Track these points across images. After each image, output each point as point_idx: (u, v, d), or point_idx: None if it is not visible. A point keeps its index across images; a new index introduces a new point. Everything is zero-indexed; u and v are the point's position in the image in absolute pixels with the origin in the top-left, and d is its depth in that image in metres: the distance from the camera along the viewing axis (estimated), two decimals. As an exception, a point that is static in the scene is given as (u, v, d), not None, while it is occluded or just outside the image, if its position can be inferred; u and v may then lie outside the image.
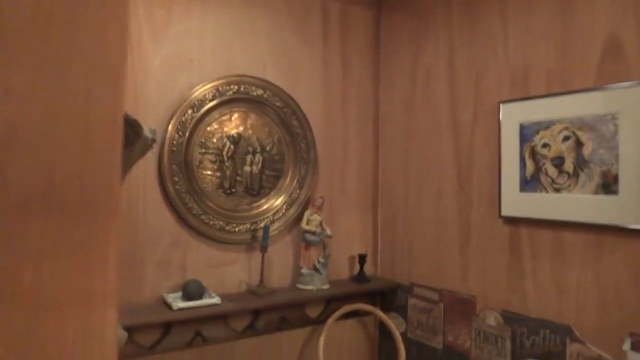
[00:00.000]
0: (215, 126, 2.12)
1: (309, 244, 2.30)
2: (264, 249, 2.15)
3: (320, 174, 2.45)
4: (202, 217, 2.07)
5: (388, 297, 2.54)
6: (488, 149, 2.06)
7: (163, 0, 2.01)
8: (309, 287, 2.27)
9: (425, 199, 2.36)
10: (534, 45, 1.89)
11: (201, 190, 2.08)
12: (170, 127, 1.99)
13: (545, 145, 1.82)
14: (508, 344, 1.96)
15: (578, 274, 1.74)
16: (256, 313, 2.19)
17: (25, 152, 0.54)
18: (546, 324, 1.83)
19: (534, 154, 1.85)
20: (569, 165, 1.74)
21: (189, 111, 2.02)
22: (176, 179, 2.01)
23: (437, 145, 2.31)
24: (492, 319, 2.03)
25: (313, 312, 2.38)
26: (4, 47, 0.51)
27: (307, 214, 2.32)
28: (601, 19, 1.68)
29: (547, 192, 1.81)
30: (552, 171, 1.79)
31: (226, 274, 2.16)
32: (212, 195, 2.11)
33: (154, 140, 1.18)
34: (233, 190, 2.17)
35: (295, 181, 2.33)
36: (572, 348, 1.75)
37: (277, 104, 2.26)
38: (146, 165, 1.97)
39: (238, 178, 2.18)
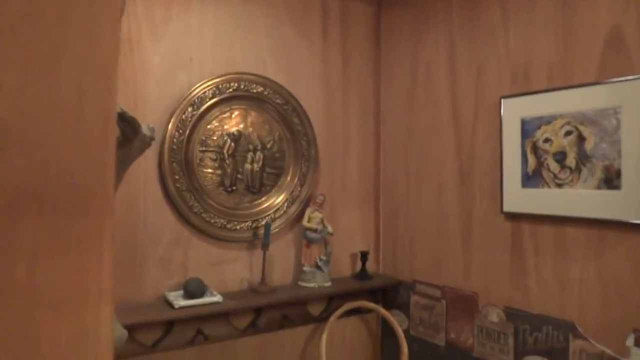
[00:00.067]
0: (216, 124, 2.12)
1: (310, 242, 2.29)
2: (265, 246, 2.14)
3: (321, 171, 2.44)
4: (203, 215, 2.07)
5: (390, 294, 2.54)
6: (489, 144, 2.05)
7: (162, -2, 2.00)
8: (311, 285, 2.26)
9: (427, 195, 2.35)
10: (535, 40, 1.88)
11: (202, 188, 2.08)
12: (170, 125, 1.98)
13: (547, 140, 1.81)
14: (511, 341, 1.95)
15: (580, 269, 1.73)
16: (258, 311, 2.19)
17: (17, 150, 0.53)
18: (549, 320, 1.82)
19: (535, 149, 1.84)
20: (571, 160, 1.73)
21: (189, 109, 2.02)
22: (177, 177, 2.00)
23: (438, 141, 2.30)
24: (494, 316, 2.02)
25: (315, 309, 2.38)
26: (-7, 43, 0.50)
27: (308, 211, 2.31)
28: (603, 12, 1.67)
29: (549, 187, 1.80)
30: (554, 166, 1.78)
31: (227, 272, 2.16)
32: (213, 193, 2.11)
33: (152, 138, 1.18)
34: (234, 188, 2.17)
35: (297, 178, 2.32)
36: (575, 344, 1.74)
37: (278, 101, 2.25)
38: (146, 164, 1.97)
39: (239, 176, 2.18)
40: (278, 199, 2.28)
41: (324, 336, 2.22)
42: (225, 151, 2.13)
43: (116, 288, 1.87)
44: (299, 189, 2.32)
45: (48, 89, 0.53)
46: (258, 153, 2.22)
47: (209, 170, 2.10)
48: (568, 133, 1.74)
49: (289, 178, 2.31)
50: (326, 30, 2.47)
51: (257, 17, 2.24)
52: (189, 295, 1.92)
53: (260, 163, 2.23)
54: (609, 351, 1.64)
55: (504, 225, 1.99)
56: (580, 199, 1.70)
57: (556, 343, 1.80)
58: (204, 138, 2.09)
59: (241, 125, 2.18)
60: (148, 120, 1.90)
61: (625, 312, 1.61)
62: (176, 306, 1.86)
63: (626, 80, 1.57)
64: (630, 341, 1.59)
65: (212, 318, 2.05)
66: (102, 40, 0.57)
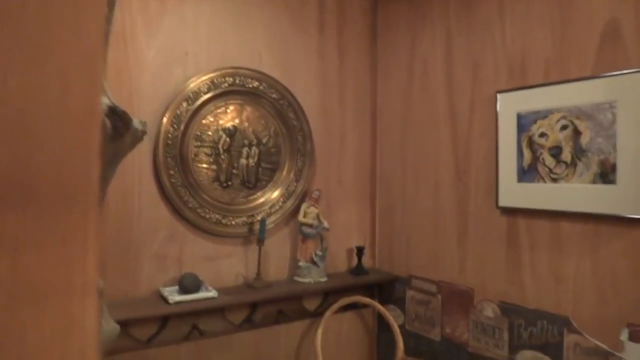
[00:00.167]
0: (211, 119, 2.11)
1: (306, 237, 2.29)
2: (260, 242, 2.14)
3: (317, 166, 2.44)
4: (198, 210, 2.06)
5: (386, 289, 2.54)
6: (485, 139, 2.05)
7: (156, -8, 1.99)
8: (307, 280, 2.26)
9: (423, 190, 2.35)
10: (531, 34, 1.87)
11: (197, 184, 2.07)
12: (165, 120, 1.97)
13: (542, 135, 1.80)
14: (506, 335, 1.95)
15: (576, 264, 1.73)
16: (253, 306, 2.19)
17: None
18: (544, 315, 1.82)
19: (531, 143, 1.84)
20: (566, 155, 1.73)
21: (184, 104, 2.01)
22: (172, 172, 2.00)
23: (434, 136, 2.29)
24: (489, 311, 2.02)
25: (311, 305, 2.38)
26: (-29, 33, 0.49)
27: (304, 206, 2.31)
28: (599, 5, 1.66)
29: (544, 182, 1.80)
30: (549, 161, 1.78)
31: (223, 267, 2.15)
32: (208, 189, 2.10)
33: (144, 132, 1.17)
34: (229, 183, 2.16)
35: (292, 174, 2.31)
36: (569, 339, 1.74)
37: (273, 95, 2.24)
38: (141, 159, 1.96)
39: (234, 171, 2.17)
40: (274, 194, 2.27)
41: (320, 331, 2.22)
42: (220, 146, 2.13)
43: (111, 283, 1.87)
44: (295, 184, 2.32)
45: (31, 80, 0.53)
46: (253, 148, 2.22)
47: (204, 166, 2.09)
48: (564, 127, 1.74)
49: (284, 173, 2.31)
50: (322, 25, 2.45)
51: (253, 11, 2.23)
52: (184, 290, 1.92)
53: (256, 158, 2.22)
54: (603, 345, 1.64)
55: (500, 220, 1.99)
56: (576, 194, 1.70)
57: (551, 338, 1.80)
58: (199, 133, 2.08)
59: (236, 120, 2.17)
60: (143, 115, 1.89)
61: (619, 307, 1.61)
62: (171, 301, 1.85)
63: (622, 74, 1.56)
64: (624, 335, 1.59)
65: (208, 313, 2.04)
66: (86, 30, 0.56)
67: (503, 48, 1.98)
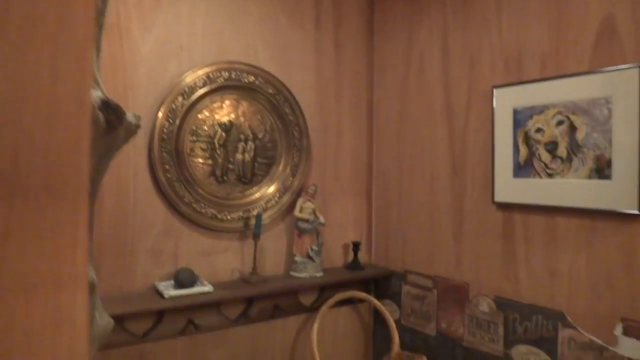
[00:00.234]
0: (207, 114, 2.10)
1: (302, 232, 2.29)
2: (256, 237, 2.14)
3: (313, 161, 2.44)
4: (194, 205, 2.06)
5: (382, 284, 2.54)
6: (481, 134, 2.05)
7: (151, -15, 1.98)
8: (303, 275, 2.26)
9: (419, 185, 2.35)
10: (528, 29, 1.87)
11: (192, 179, 2.06)
12: (160, 115, 1.96)
13: (538, 130, 1.80)
14: (501, 330, 1.96)
15: (571, 259, 1.74)
16: (249, 301, 2.19)
17: (-13, 132, 0.51)
18: (538, 310, 1.83)
19: (527, 139, 1.84)
20: (562, 150, 1.73)
21: (179, 98, 2.00)
22: (167, 167, 1.99)
23: (430, 131, 2.29)
24: (485, 305, 2.02)
25: (307, 299, 2.38)
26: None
27: (300, 201, 2.31)
28: (596, 1, 1.66)
29: (540, 177, 1.80)
30: (545, 156, 1.78)
31: (219, 262, 2.15)
32: (204, 184, 2.10)
33: (138, 127, 1.16)
34: (225, 178, 2.15)
35: (288, 169, 2.31)
36: (564, 333, 1.75)
37: (269, 90, 2.23)
38: (136, 153, 1.95)
39: (230, 166, 2.16)
40: (270, 189, 2.27)
41: (316, 326, 2.23)
42: (216, 141, 2.12)
43: (106, 278, 1.87)
44: (291, 179, 2.31)
45: (20, 70, 0.52)
46: (249, 143, 2.21)
47: (200, 160, 2.09)
48: (560, 123, 1.74)
49: (280, 168, 2.30)
50: (319, 19, 2.45)
51: (248, 6, 2.22)
52: (179, 285, 1.92)
53: (252, 153, 2.22)
54: (597, 340, 1.65)
55: (496, 215, 1.99)
56: (571, 189, 1.70)
57: (545, 332, 1.80)
58: (194, 128, 2.07)
59: (232, 115, 2.16)
60: (138, 109, 1.88)
61: (614, 302, 1.62)
62: (166, 296, 1.85)
63: (618, 69, 1.56)
64: (618, 330, 1.60)
65: (203, 308, 2.04)
66: (75, 19, 0.55)
67: (499, 43, 1.98)
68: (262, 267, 2.24)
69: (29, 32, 0.54)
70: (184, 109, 2.01)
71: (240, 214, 2.18)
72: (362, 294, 2.40)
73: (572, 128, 1.70)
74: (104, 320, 1.09)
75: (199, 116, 2.08)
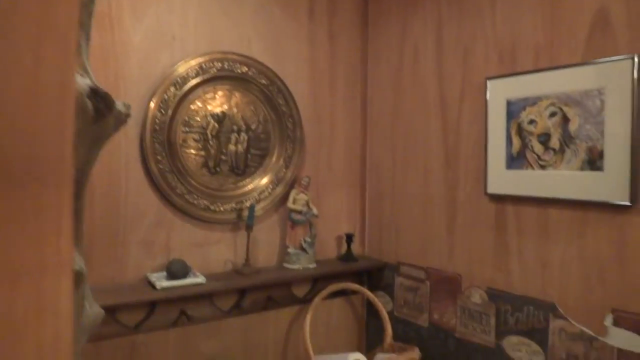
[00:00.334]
0: (199, 104, 2.08)
1: (295, 224, 2.29)
2: (249, 228, 2.13)
3: (307, 152, 2.43)
4: (186, 196, 2.05)
5: (375, 276, 2.54)
6: (475, 125, 2.04)
7: (143, -26, 1.95)
8: (296, 267, 2.26)
9: (413, 176, 2.35)
10: (521, 20, 1.86)
11: (185, 170, 2.05)
12: (152, 105, 1.95)
13: (531, 122, 1.80)
14: (492, 321, 1.97)
15: (562, 250, 1.75)
16: (242, 292, 2.18)
17: (-32, 117, 0.50)
18: (530, 301, 1.83)
19: (520, 130, 1.84)
20: (555, 142, 1.73)
21: (172, 89, 1.98)
22: (159, 157, 1.98)
23: (424, 123, 2.29)
24: (477, 297, 2.03)
25: (300, 291, 2.38)
26: None
27: (293, 193, 2.30)
28: (589, -8, 1.65)
29: (532, 169, 1.80)
30: (538, 148, 1.78)
31: (211, 253, 2.15)
32: (196, 175, 2.09)
33: (128, 115, 1.15)
34: (218, 169, 2.14)
35: (282, 160, 2.30)
36: (555, 324, 1.76)
37: (263, 81, 2.22)
38: (128, 144, 1.94)
39: (223, 157, 2.15)
40: (263, 181, 2.26)
41: (309, 317, 2.23)
42: (209, 132, 2.11)
43: (98, 269, 1.86)
44: (284, 170, 2.31)
45: (0, 54, 0.51)
46: (242, 134, 2.20)
47: (192, 151, 2.07)
48: (553, 114, 1.74)
49: (274, 159, 2.29)
50: (313, 10, 2.43)
51: (241, -5, 2.20)
52: (171, 276, 1.91)
53: (245, 144, 2.21)
54: (588, 331, 1.66)
55: (488, 206, 1.99)
56: (564, 181, 1.71)
57: (537, 323, 1.81)
58: (187, 118, 2.05)
59: (225, 106, 2.15)
60: (130, 99, 1.87)
61: (604, 293, 1.63)
62: (158, 287, 1.85)
63: (611, 61, 1.56)
64: (608, 321, 1.61)
65: (196, 299, 2.04)
66: (59, 2, 0.54)
67: (493, 34, 1.97)
68: (254, 259, 2.24)
69: (10, 14, 0.53)
70: (176, 100, 2.00)
71: (233, 205, 2.17)
72: (355, 286, 2.41)
73: (565, 119, 1.70)
74: (94, 311, 1.09)
75: (192, 107, 2.06)
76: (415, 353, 2.09)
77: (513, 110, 1.86)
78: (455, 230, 2.14)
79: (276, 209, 2.33)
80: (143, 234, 1.98)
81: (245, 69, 2.16)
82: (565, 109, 1.70)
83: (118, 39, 1.90)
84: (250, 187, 2.23)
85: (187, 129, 2.06)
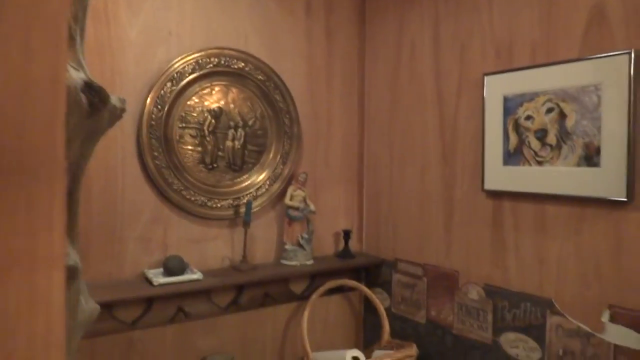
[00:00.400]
0: (196, 100, 2.08)
1: (292, 220, 2.29)
2: (246, 224, 2.13)
3: (304, 149, 2.42)
4: (183, 192, 2.04)
5: (373, 272, 2.54)
6: (472, 122, 2.04)
7: (139, -31, 1.95)
8: (293, 263, 2.26)
9: (410, 173, 2.35)
10: (518, 16, 1.86)
11: (182, 166, 2.05)
12: (148, 101, 1.94)
13: (528, 118, 1.80)
14: (490, 317, 1.97)
15: (559, 247, 1.75)
16: (239, 289, 2.18)
17: (-43, 108, 0.50)
18: (527, 297, 1.84)
19: (517, 126, 1.84)
20: (552, 138, 1.73)
21: (168, 84, 1.98)
22: (156, 153, 1.97)
23: (421, 119, 2.29)
24: (474, 293, 2.03)
25: (297, 288, 2.38)
26: None
27: (290, 189, 2.30)
28: (586, -12, 1.65)
29: (529, 165, 1.80)
30: (535, 144, 1.78)
31: (208, 250, 2.14)
32: (193, 171, 2.08)
33: (123, 110, 1.14)
34: (215, 165, 2.14)
35: (279, 156, 2.30)
36: (552, 320, 1.76)
37: (259, 77, 2.21)
38: (124, 140, 1.93)
39: (220, 153, 2.15)
40: (260, 177, 2.26)
41: (306, 314, 2.22)
42: (205, 128, 2.10)
43: (95, 265, 1.86)
44: (281, 166, 2.30)
45: (-9, 45, 0.50)
46: (239, 130, 2.19)
47: (189, 147, 2.07)
48: (550, 110, 1.73)
49: (271, 156, 2.29)
50: (310, 6, 2.42)
51: (238, -9, 2.19)
52: (168, 272, 1.91)
53: (242, 140, 2.20)
54: (585, 327, 1.66)
55: (485, 203, 1.99)
56: (560, 177, 1.71)
57: (534, 319, 1.82)
58: (183, 114, 2.05)
59: (222, 102, 2.14)
60: (126, 95, 1.86)
61: (601, 289, 1.63)
62: (155, 283, 1.84)
63: (608, 56, 1.56)
64: (605, 317, 1.61)
65: (193, 296, 2.04)
66: (49, -6, 0.54)
67: (490, 30, 1.97)
68: (252, 255, 2.24)
69: (0, 6, 0.52)
70: (173, 95, 1.99)
71: (230, 201, 2.17)
72: (352, 282, 2.41)
73: (562, 115, 1.70)
74: (90, 306, 1.09)
75: (188, 102, 2.06)
76: (413, 350, 2.09)
77: (510, 106, 1.85)
78: (452, 227, 2.14)
79: (273, 206, 2.33)
80: (140, 230, 1.97)
81: (242, 64, 2.16)
82: (562, 104, 1.69)
83: (114, 34, 1.89)
84: (247, 183, 2.23)
85: (183, 124, 2.05)
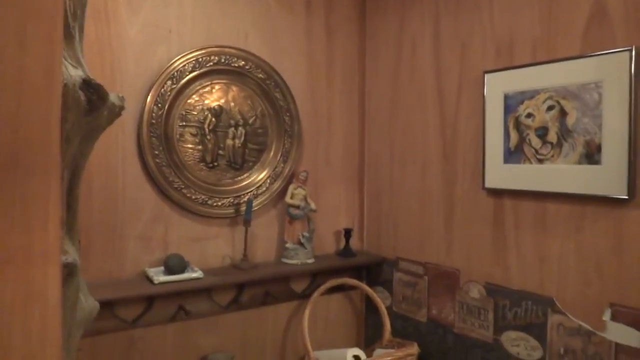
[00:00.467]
0: (196, 98, 2.08)
1: (293, 218, 2.28)
2: (247, 223, 2.13)
3: (304, 147, 2.42)
4: (184, 191, 2.04)
5: (374, 271, 2.54)
6: (472, 120, 2.04)
7: (139, -32, 1.95)
8: (294, 262, 2.26)
9: (411, 171, 2.34)
10: (519, 13, 1.86)
11: (182, 164, 2.05)
12: (149, 99, 1.94)
13: (529, 116, 1.79)
14: (491, 316, 1.96)
15: (560, 245, 1.74)
16: (240, 287, 2.18)
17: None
18: (528, 296, 1.83)
19: (518, 124, 1.83)
20: (552, 136, 1.73)
21: (168, 82, 1.98)
22: (156, 152, 1.97)
23: (422, 117, 2.28)
24: (475, 292, 2.03)
25: (298, 286, 2.38)
26: None
27: (291, 187, 2.30)
28: (587, -15, 1.64)
29: (530, 163, 1.80)
30: (535, 142, 1.78)
31: (209, 248, 2.14)
32: (194, 169, 2.08)
33: (122, 108, 1.14)
34: (215, 164, 2.14)
35: (280, 155, 2.30)
36: (553, 319, 1.75)
37: (260, 75, 2.21)
38: (125, 138, 1.93)
39: (220, 152, 2.15)
40: (260, 175, 2.26)
41: (307, 313, 2.22)
42: (206, 126, 2.10)
43: (95, 263, 1.86)
44: (282, 165, 2.30)
45: (-15, 39, 0.50)
46: (240, 128, 2.19)
47: (190, 146, 2.07)
48: (550, 108, 1.73)
49: (271, 154, 2.29)
50: (310, 3, 2.42)
51: (239, -11, 2.19)
52: (169, 271, 1.91)
53: (242, 139, 2.20)
54: (586, 325, 1.66)
55: (486, 201, 1.99)
56: (561, 175, 1.70)
57: (535, 318, 1.81)
58: (184, 113, 2.05)
59: (222, 100, 2.14)
60: (126, 93, 1.85)
61: (602, 287, 1.62)
62: (156, 282, 1.84)
63: (608, 53, 1.55)
64: (606, 315, 1.60)
65: (194, 294, 2.04)
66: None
67: (491, 28, 1.96)
68: (253, 254, 2.24)
69: (-5, 0, 0.52)
70: (173, 94, 1.99)
71: (231, 200, 2.17)
72: (353, 281, 2.41)
73: (563, 113, 1.69)
74: (90, 304, 1.08)
75: (189, 101, 2.06)
76: (414, 348, 2.08)
77: (510, 104, 1.85)
78: (453, 225, 2.13)
79: (274, 204, 2.33)
80: (141, 229, 1.97)
81: (242, 62, 2.16)
82: (562, 102, 1.69)
83: (114, 32, 1.89)
84: (248, 181, 2.23)
85: (184, 123, 2.05)
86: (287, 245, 2.28)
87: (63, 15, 0.61)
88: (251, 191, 2.22)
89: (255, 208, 2.21)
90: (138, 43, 1.95)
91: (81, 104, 0.93)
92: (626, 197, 1.53)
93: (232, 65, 2.13)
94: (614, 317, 1.59)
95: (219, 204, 2.14)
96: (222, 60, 2.10)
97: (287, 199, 2.28)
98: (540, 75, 1.75)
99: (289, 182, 2.32)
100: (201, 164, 2.10)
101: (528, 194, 1.83)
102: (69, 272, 0.88)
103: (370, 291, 2.39)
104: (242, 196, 2.19)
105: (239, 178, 2.21)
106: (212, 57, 2.07)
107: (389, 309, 2.41)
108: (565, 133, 1.69)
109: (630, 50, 1.50)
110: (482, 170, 1.97)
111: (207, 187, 2.11)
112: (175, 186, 2.02)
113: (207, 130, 2.10)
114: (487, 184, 1.95)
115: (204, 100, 2.09)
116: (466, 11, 2.07)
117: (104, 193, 1.89)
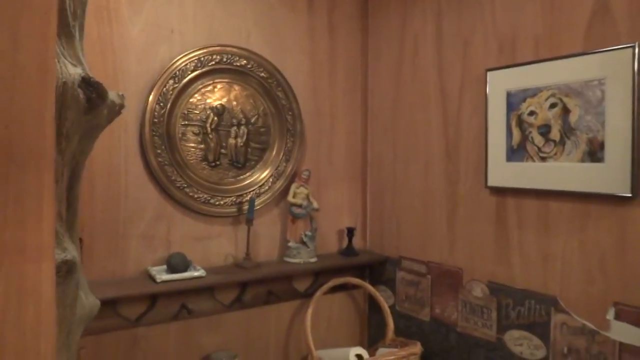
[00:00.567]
0: (198, 97, 2.08)
1: (295, 217, 2.28)
2: (249, 222, 2.13)
3: (307, 146, 2.42)
4: (186, 190, 2.05)
5: (377, 270, 2.54)
6: (475, 118, 2.03)
7: (141, -33, 1.95)
8: (296, 261, 2.26)
9: (413, 170, 2.34)
10: (521, 11, 1.85)
11: (185, 163, 2.05)
12: (151, 98, 1.95)
13: (532, 113, 1.78)
14: (494, 315, 1.95)
15: (563, 243, 1.73)
16: (243, 286, 2.18)
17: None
18: (531, 295, 1.82)
19: (520, 122, 1.82)
20: (555, 133, 1.72)
21: (170, 81, 1.98)
22: (158, 151, 1.98)
23: (424, 116, 2.27)
24: (478, 291, 2.02)
25: (301, 285, 2.38)
26: None
27: (293, 186, 2.30)
28: (590, -19, 1.63)
29: (533, 161, 1.79)
30: (538, 139, 1.77)
31: (212, 247, 2.15)
32: (196, 168, 2.09)
33: (122, 106, 1.14)
34: (218, 163, 2.14)
35: (282, 154, 2.29)
36: (556, 318, 1.74)
37: (262, 74, 2.21)
38: (127, 137, 1.94)
39: (222, 150, 2.15)
40: (263, 174, 2.26)
41: (310, 312, 2.22)
42: (208, 125, 2.10)
43: (98, 262, 1.87)
44: (284, 164, 2.30)
45: (-22, 35, 0.50)
46: (242, 127, 2.19)
47: (192, 145, 2.07)
48: (553, 105, 1.72)
49: (274, 153, 2.29)
50: (312, 1, 2.41)
51: (241, -12, 2.19)
52: (172, 269, 1.92)
53: (245, 138, 2.20)
54: (590, 324, 1.64)
55: (489, 200, 1.98)
56: (564, 173, 1.69)
57: (538, 317, 1.80)
58: (186, 112, 2.05)
59: (224, 99, 2.15)
60: (128, 92, 1.86)
61: (606, 286, 1.61)
62: (158, 280, 1.85)
63: (612, 50, 1.54)
64: (610, 314, 1.59)
65: (196, 293, 2.04)
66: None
67: (493, 25, 1.96)
68: (255, 253, 2.24)
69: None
70: (175, 93, 2.00)
71: (233, 199, 2.17)
72: (356, 280, 2.40)
73: (565, 110, 1.68)
74: (90, 301, 1.09)
75: (191, 100, 2.06)
76: (417, 347, 2.08)
77: (513, 101, 1.84)
78: (456, 224, 2.13)
79: (277, 203, 2.33)
80: (143, 228, 1.98)
81: (244, 61, 2.16)
82: (565, 99, 1.68)
83: (116, 32, 1.90)
84: (250, 180, 2.23)
85: (186, 122, 2.06)
86: (290, 244, 2.28)
87: (57, 12, 0.61)
88: (253, 190, 2.22)
89: (258, 207, 2.21)
90: (140, 42, 1.95)
91: (80, 102, 0.93)
92: (629, 195, 1.52)
93: (234, 64, 2.13)
94: (617, 316, 1.58)
95: (222, 202, 2.14)
96: (224, 59, 2.10)
97: (290, 198, 2.28)
98: (542, 73, 1.74)
99: (291, 181, 2.32)
100: (203, 163, 2.11)
101: (531, 192, 1.82)
102: (68, 269, 0.88)
103: (373, 290, 2.38)
104: (245, 195, 2.20)
105: (242, 177, 2.21)
106: (214, 56, 2.08)
107: (391, 308, 2.40)
108: (568, 131, 1.68)
109: (634, 47, 1.49)
110: (485, 169, 1.96)
111: (209, 186, 2.11)
112: (178, 185, 2.02)
113: (209, 129, 2.10)
114: (490, 183, 1.94)
115: (206, 100, 2.10)
116: (468, 9, 2.06)
117: (107, 192, 1.90)
